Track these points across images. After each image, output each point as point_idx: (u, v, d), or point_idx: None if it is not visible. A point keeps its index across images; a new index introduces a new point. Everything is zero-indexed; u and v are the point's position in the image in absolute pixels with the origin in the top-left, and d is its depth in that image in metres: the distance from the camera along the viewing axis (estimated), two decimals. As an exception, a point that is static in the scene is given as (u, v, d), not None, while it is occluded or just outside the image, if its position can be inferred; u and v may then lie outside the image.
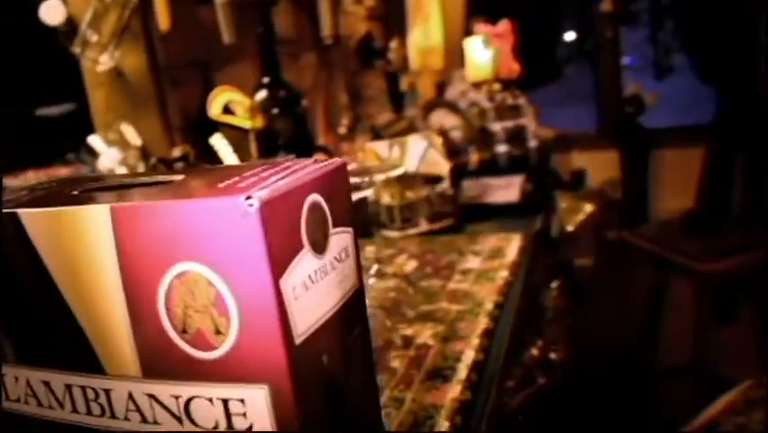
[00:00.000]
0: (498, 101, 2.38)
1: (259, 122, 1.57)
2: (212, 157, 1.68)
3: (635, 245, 2.82)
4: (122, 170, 1.64)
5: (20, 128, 1.73)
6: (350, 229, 0.45)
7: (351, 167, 1.45)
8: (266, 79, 1.47)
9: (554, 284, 1.61)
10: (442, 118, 2.22)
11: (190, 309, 0.37)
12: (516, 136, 2.35)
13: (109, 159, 1.64)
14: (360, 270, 0.46)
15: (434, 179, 1.54)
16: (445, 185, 1.56)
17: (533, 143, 2.38)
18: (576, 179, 3.96)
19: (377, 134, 1.75)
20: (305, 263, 0.38)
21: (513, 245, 1.33)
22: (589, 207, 2.01)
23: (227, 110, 1.58)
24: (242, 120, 1.58)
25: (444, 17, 3.69)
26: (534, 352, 1.34)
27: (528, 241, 1.36)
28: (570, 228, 2.01)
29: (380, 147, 1.53)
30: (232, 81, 1.79)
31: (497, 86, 2.92)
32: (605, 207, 3.81)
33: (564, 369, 1.51)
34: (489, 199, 1.72)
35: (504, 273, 1.18)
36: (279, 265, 0.36)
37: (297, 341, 0.37)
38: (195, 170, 0.47)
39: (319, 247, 0.40)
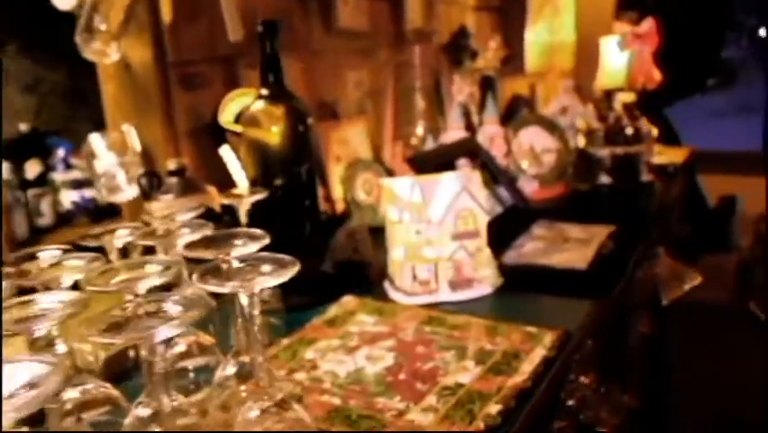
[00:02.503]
0: (612, 121, 1.93)
1: (276, 136, 1.28)
2: (220, 170, 1.43)
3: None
4: (120, 176, 1.43)
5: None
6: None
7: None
8: (264, 91, 1.18)
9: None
10: (533, 138, 1.82)
11: None
12: (626, 167, 1.89)
13: (105, 163, 1.43)
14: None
15: (466, 234, 1.18)
16: (480, 242, 1.19)
17: (645, 177, 1.91)
18: (724, 207, 3.32)
19: (418, 163, 1.41)
20: None
21: (535, 354, 0.96)
22: (695, 278, 1.54)
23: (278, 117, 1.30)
24: (256, 131, 1.30)
25: (581, 11, 3.18)
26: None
27: (557, 346, 0.97)
28: (664, 302, 1.55)
29: (400, 186, 1.19)
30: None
31: (628, 96, 2.44)
32: (755, 244, 3.16)
33: None
34: (545, 261, 1.33)
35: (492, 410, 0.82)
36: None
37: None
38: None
39: None
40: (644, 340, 1.66)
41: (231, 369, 0.74)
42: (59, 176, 2.21)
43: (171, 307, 0.60)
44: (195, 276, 0.65)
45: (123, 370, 0.93)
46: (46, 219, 2.19)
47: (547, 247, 1.41)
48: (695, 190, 2.97)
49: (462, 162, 1.35)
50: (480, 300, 1.19)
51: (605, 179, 1.87)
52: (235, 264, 0.68)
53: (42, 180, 2.18)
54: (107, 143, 1.46)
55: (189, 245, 0.75)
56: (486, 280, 1.20)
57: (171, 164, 1.35)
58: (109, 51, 1.41)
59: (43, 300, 0.63)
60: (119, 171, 1.44)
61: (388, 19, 1.93)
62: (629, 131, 1.89)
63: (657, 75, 2.57)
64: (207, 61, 1.42)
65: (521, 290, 1.22)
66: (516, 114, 2.32)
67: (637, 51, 2.52)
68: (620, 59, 2.57)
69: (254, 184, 1.25)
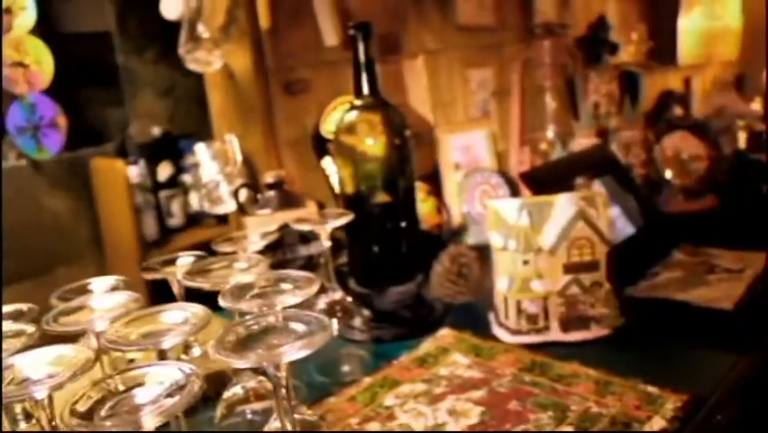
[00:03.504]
0: (780, 123, 1.64)
1: (380, 148, 1.18)
2: (324, 183, 1.35)
3: None
4: (222, 187, 1.40)
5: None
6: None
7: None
8: (358, 102, 1.08)
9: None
10: (679, 144, 1.59)
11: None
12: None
13: (208, 173, 1.41)
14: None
15: (582, 266, 1.02)
16: (598, 275, 1.02)
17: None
18: None
19: (533, 180, 1.24)
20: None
21: (652, 424, 0.79)
22: None
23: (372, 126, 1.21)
24: (359, 141, 1.21)
25: None
26: None
27: (681, 416, 0.79)
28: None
29: (507, 207, 1.04)
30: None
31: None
32: None
33: None
34: (680, 296, 1.12)
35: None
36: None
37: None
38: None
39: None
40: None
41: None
42: (189, 178, 2.26)
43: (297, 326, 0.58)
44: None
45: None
46: (176, 220, 2.25)
47: (687, 278, 1.21)
48: None
49: (581, 181, 1.17)
50: (595, 343, 1.02)
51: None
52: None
53: (174, 182, 2.24)
54: (211, 153, 1.44)
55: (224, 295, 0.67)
56: (604, 319, 1.03)
57: (269, 177, 1.29)
58: (212, 60, 1.39)
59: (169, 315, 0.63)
60: (222, 182, 1.41)
61: (515, 12, 1.77)
62: (802, 133, 1.60)
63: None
64: (311, 66, 1.34)
65: (647, 332, 1.04)
66: (665, 112, 2.07)
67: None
68: (797, 46, 2.21)
69: (351, 201, 1.16)
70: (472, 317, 1.12)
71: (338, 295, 1.02)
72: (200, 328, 0.60)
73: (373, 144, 1.12)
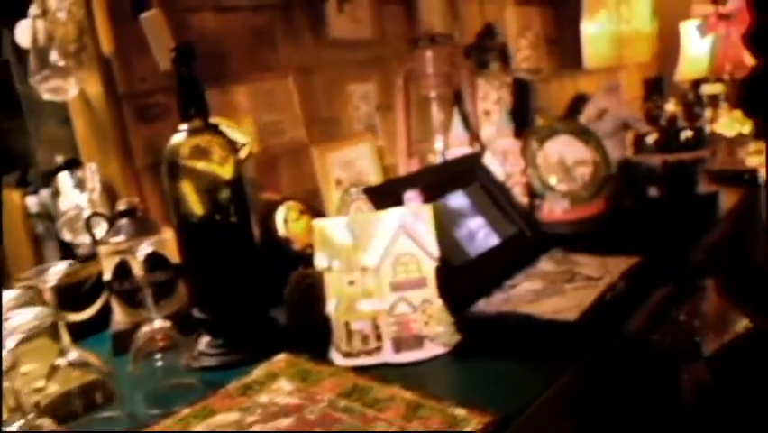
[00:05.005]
0: (664, 123, 1.62)
1: (229, 170, 1.16)
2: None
3: None
4: (85, 213, 1.36)
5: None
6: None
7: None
8: (183, 126, 1.05)
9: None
10: (562, 149, 1.57)
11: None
12: (682, 177, 1.58)
13: (68, 202, 1.38)
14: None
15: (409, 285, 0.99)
16: (428, 292, 1.00)
17: (703, 188, 1.59)
18: None
19: (377, 195, 1.21)
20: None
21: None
22: (741, 322, 1.23)
23: (201, 150, 1.18)
24: (209, 165, 1.18)
25: None
26: None
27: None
28: (704, 353, 1.25)
29: (334, 226, 1.02)
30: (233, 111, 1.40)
31: (714, 87, 2.10)
32: None
33: None
34: (529, 309, 1.10)
35: None
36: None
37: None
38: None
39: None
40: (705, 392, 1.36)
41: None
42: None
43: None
44: None
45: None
46: (83, 248, 2.20)
47: (544, 288, 1.18)
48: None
49: (410, 196, 1.15)
50: (433, 363, 0.99)
51: (653, 191, 1.58)
52: None
53: (79, 210, 2.20)
54: (74, 181, 1.41)
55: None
56: (438, 337, 1.00)
57: (122, 204, 1.26)
58: (68, 87, 1.35)
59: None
60: (84, 211, 1.37)
61: (399, 24, 1.75)
62: (686, 134, 1.59)
63: (749, 60, 2.18)
64: (165, 91, 1.31)
65: (488, 348, 1.01)
66: (577, 116, 2.06)
67: (722, 35, 2.15)
68: (702, 45, 2.21)
69: (198, 224, 1.13)
70: (320, 341, 1.09)
71: (158, 324, 0.99)
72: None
73: (209, 167, 1.09)
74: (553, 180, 1.57)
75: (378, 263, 0.99)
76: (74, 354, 0.90)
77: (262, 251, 1.30)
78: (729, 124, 2.01)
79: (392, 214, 1.00)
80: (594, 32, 2.41)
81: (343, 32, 1.60)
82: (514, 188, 1.53)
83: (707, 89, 2.15)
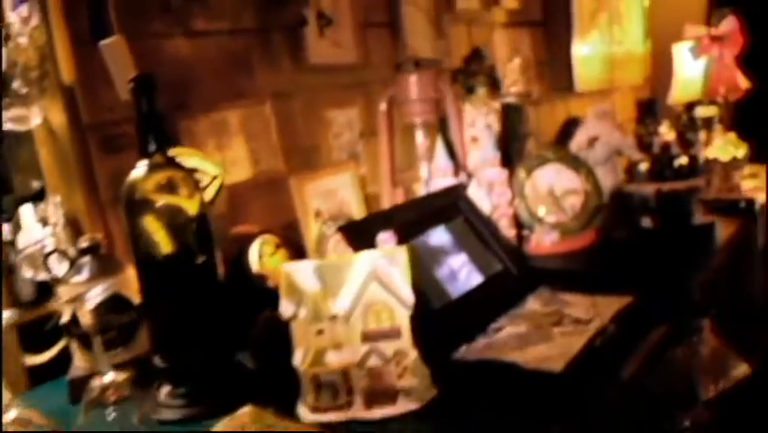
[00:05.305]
0: (657, 150, 1.56)
1: (195, 205, 1.09)
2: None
3: None
4: (49, 248, 1.29)
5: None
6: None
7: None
8: (142, 162, 0.99)
9: None
10: (551, 179, 1.51)
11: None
12: (676, 207, 1.52)
13: (29, 237, 1.31)
14: None
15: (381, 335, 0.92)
16: (401, 343, 0.93)
17: (698, 219, 1.52)
18: None
19: (354, 233, 1.14)
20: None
21: None
22: (740, 368, 1.16)
23: (162, 186, 1.12)
24: (171, 201, 1.11)
25: (652, 16, 2.70)
26: None
27: None
28: (701, 397, 1.18)
29: (302, 270, 0.95)
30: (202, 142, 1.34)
31: (708, 110, 2.04)
32: None
33: None
34: (513, 357, 1.03)
35: None
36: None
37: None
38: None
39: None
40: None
41: None
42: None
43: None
44: None
45: None
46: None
47: (530, 333, 1.11)
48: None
49: (384, 237, 1.08)
50: (408, 419, 0.92)
51: (646, 222, 1.51)
52: None
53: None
54: (37, 215, 1.34)
55: None
56: (413, 391, 0.93)
57: (84, 241, 1.19)
58: (30, 116, 1.29)
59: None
60: (46, 247, 1.30)
61: (382, 49, 1.69)
62: (680, 161, 1.52)
63: (743, 83, 2.12)
64: (132, 122, 1.25)
65: (468, 401, 0.94)
66: (568, 140, 2.00)
67: (716, 57, 2.09)
68: (695, 67, 2.15)
69: (164, 263, 1.06)
70: (289, 389, 1.02)
71: (110, 377, 0.92)
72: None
73: (171, 202, 1.03)
74: (541, 211, 1.50)
75: (348, 312, 0.92)
76: (13, 414, 0.83)
77: (233, 289, 1.23)
78: (723, 147, 1.95)
79: (363, 258, 0.93)
80: (585, 53, 2.36)
81: (324, 57, 1.54)
82: (500, 219, 1.46)
83: (700, 112, 2.10)
